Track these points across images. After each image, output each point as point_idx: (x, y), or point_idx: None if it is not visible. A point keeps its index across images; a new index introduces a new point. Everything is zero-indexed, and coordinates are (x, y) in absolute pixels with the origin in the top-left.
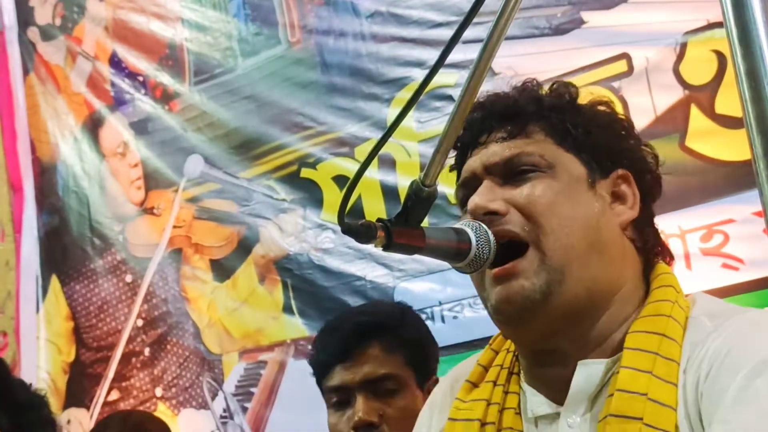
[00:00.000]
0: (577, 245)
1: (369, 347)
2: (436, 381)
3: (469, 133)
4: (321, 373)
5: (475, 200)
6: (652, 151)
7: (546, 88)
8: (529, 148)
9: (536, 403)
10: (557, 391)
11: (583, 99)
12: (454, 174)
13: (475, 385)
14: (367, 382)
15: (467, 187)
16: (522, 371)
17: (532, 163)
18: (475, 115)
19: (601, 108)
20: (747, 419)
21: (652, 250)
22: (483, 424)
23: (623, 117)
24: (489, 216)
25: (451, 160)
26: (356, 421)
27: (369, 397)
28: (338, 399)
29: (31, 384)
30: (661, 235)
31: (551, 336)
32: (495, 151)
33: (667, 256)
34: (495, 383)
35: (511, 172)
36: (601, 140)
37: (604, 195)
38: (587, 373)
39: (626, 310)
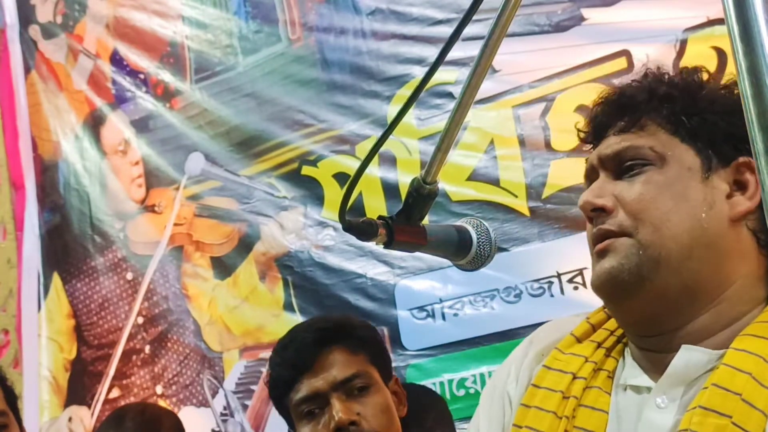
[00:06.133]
0: (678, 237)
1: (332, 352)
2: (397, 380)
3: (592, 127)
4: (285, 389)
5: (584, 197)
6: None
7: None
8: (639, 141)
9: (633, 373)
10: (656, 373)
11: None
12: (455, 171)
13: (579, 340)
14: (338, 384)
15: (588, 179)
16: (629, 344)
17: (641, 156)
18: (597, 108)
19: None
20: None
21: None
22: (574, 377)
23: None
24: (596, 212)
25: (451, 158)
26: (337, 422)
27: (343, 398)
28: (309, 409)
29: None
30: None
31: (648, 321)
32: (609, 143)
33: None
34: (599, 344)
35: (621, 166)
36: (720, 127)
37: (721, 185)
38: (688, 357)
39: (738, 308)
